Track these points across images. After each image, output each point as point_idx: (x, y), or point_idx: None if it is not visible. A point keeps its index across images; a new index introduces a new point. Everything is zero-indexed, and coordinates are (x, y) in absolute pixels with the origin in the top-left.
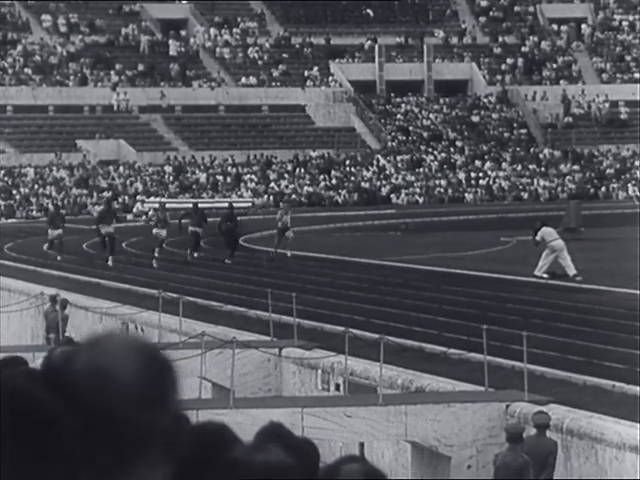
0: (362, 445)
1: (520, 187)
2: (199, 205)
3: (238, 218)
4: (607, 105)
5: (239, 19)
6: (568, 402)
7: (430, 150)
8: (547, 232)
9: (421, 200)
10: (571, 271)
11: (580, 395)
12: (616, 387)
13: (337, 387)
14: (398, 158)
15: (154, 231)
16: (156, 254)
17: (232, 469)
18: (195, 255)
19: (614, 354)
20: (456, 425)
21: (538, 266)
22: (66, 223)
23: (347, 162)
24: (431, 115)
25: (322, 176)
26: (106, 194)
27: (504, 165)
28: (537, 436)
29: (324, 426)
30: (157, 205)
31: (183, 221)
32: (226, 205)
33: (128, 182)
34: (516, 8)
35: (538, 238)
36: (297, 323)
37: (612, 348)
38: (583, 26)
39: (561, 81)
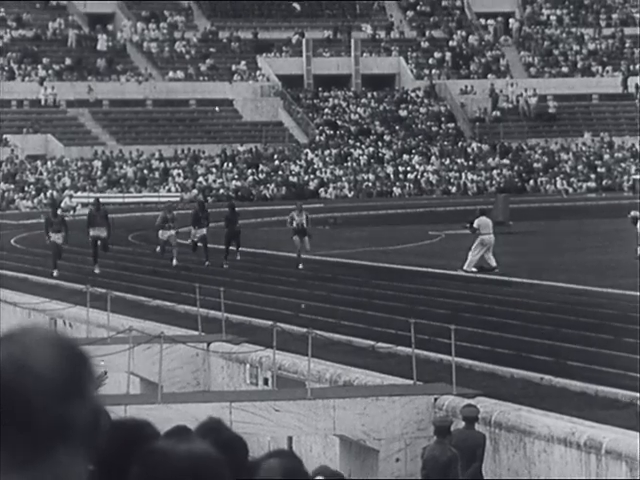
0: (290, 439)
1: (448, 181)
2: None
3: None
4: (535, 99)
5: (166, 13)
6: (496, 395)
7: (358, 144)
8: (484, 223)
9: (349, 194)
10: (492, 263)
11: (508, 388)
12: (544, 380)
13: (265, 381)
14: (326, 152)
15: (160, 232)
16: (176, 259)
17: (153, 458)
18: (207, 263)
19: (542, 347)
20: (384, 419)
21: (467, 261)
22: None
23: (275, 156)
24: (359, 109)
25: (250, 170)
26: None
27: (432, 159)
28: (466, 429)
29: (252, 420)
30: (164, 204)
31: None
32: (226, 207)
33: (56, 177)
34: (443, 2)
35: (475, 225)
36: (225, 318)
37: (540, 341)
38: (511, 20)
39: (489, 75)
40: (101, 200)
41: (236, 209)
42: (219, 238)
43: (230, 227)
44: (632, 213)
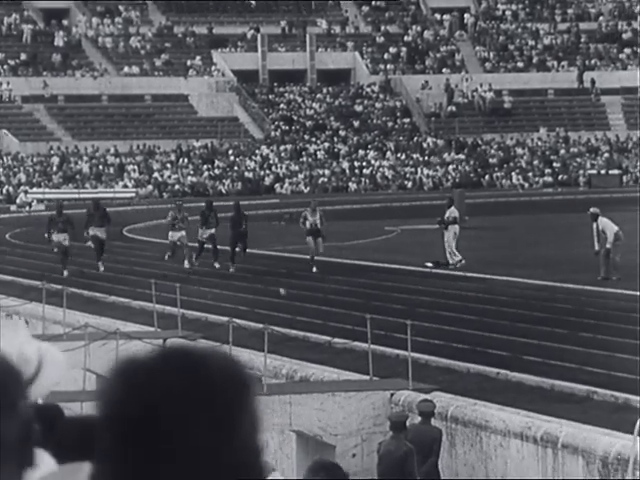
0: None
1: (404, 176)
2: (213, 204)
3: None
4: (490, 94)
5: (121, 8)
6: (452, 390)
7: (314, 140)
8: (456, 213)
9: (305, 190)
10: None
11: (464, 383)
12: (500, 374)
13: None
14: (282, 148)
15: (170, 234)
16: (188, 261)
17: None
18: (217, 265)
19: (498, 341)
20: (341, 414)
21: (448, 254)
22: None
23: (230, 152)
24: (314, 104)
25: (205, 166)
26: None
27: (388, 154)
28: (422, 424)
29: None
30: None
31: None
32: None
33: (11, 173)
34: None
35: (450, 216)
36: (181, 314)
37: (496, 336)
38: (466, 15)
39: (444, 69)
40: (56, 196)
41: (241, 209)
42: (223, 240)
43: (235, 229)
44: (592, 210)
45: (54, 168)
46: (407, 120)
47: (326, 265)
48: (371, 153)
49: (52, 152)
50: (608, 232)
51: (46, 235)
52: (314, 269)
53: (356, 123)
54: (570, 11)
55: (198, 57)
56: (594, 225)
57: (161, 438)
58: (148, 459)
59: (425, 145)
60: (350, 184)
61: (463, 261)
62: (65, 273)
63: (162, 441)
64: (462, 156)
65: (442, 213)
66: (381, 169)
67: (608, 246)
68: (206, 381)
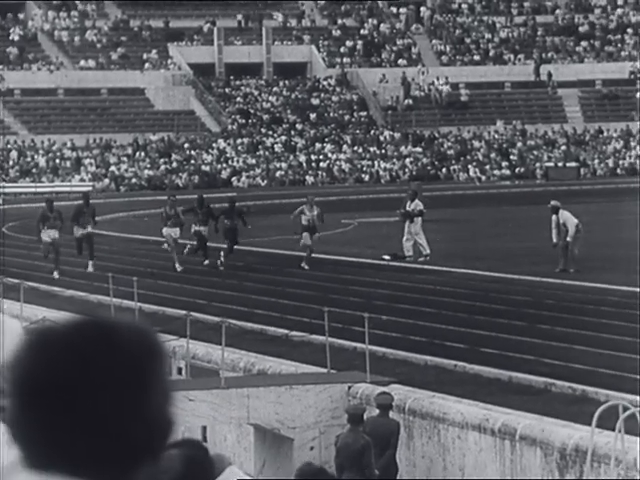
0: (204, 428)
1: (361, 169)
2: (204, 198)
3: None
4: (447, 87)
5: (77, 2)
6: (410, 382)
7: (270, 133)
8: (421, 206)
9: (262, 183)
10: (409, 252)
11: (422, 375)
12: (458, 367)
13: (179, 371)
14: (238, 141)
15: (164, 230)
16: (175, 257)
17: None
18: (206, 262)
19: (455, 334)
20: (298, 407)
21: (423, 247)
22: None
23: (187, 145)
24: (271, 98)
25: (162, 159)
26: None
27: (344, 147)
28: (380, 417)
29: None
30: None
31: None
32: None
33: None
34: None
35: (415, 209)
36: (138, 307)
37: (454, 328)
38: (422, 9)
39: (400, 60)
40: (13, 190)
41: (236, 204)
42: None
43: (230, 224)
44: (552, 202)
45: (11, 162)
46: (364, 113)
47: (283, 258)
48: (328, 146)
49: (9, 146)
50: (569, 225)
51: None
52: (306, 266)
53: (313, 116)
54: (526, 4)
55: (154, 50)
56: (553, 217)
57: (72, 406)
58: (59, 427)
59: (382, 138)
60: (307, 177)
61: (428, 257)
62: (56, 274)
63: (72, 409)
64: (419, 149)
65: (399, 206)
66: (338, 162)
67: (569, 239)
68: (117, 350)
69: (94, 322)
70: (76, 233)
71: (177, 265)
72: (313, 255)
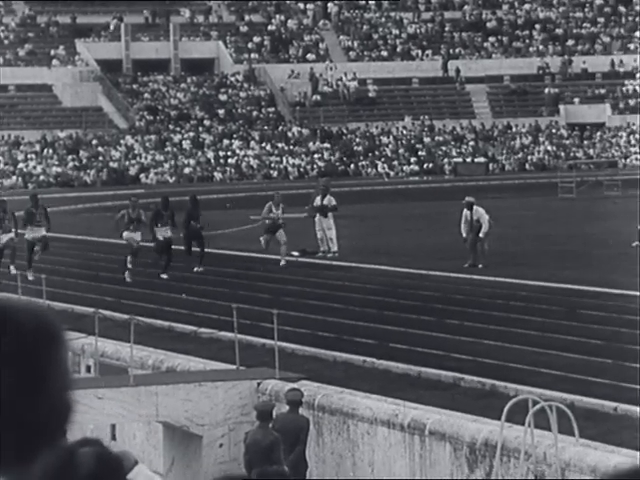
0: (114, 427)
1: (269, 165)
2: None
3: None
4: (355, 83)
5: None
6: (319, 378)
7: (178, 129)
8: (334, 202)
9: (170, 179)
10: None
11: (331, 371)
12: (367, 362)
13: (88, 369)
14: (146, 137)
15: (124, 235)
16: (129, 264)
17: None
18: (164, 276)
19: (364, 330)
20: (207, 404)
21: (333, 242)
22: None
23: (95, 142)
24: (178, 94)
25: (70, 156)
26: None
27: (253, 144)
28: (289, 413)
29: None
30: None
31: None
32: (188, 198)
33: None
34: None
35: (327, 204)
36: (47, 305)
37: (362, 324)
38: (330, 4)
39: (307, 56)
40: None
41: (198, 203)
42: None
43: (191, 224)
44: (467, 198)
45: None
46: (272, 109)
47: (192, 255)
48: (236, 142)
49: None
50: (483, 221)
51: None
52: (282, 262)
53: (221, 112)
54: (434, 0)
55: (62, 47)
56: (466, 213)
57: None
58: None
59: (290, 134)
60: (215, 174)
61: (337, 254)
62: (30, 275)
63: None
64: (327, 145)
65: (308, 202)
66: (246, 158)
67: (481, 235)
68: (12, 332)
69: None
70: (28, 236)
71: (127, 274)
72: (227, 252)
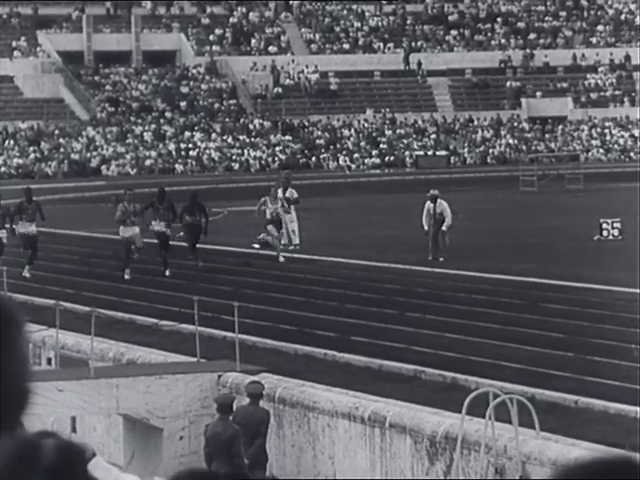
0: (74, 419)
1: (230, 158)
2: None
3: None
4: (316, 76)
5: None
6: (280, 371)
7: (140, 121)
8: (296, 194)
9: (132, 171)
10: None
11: (292, 364)
12: (328, 355)
13: (48, 361)
14: (108, 129)
15: (121, 230)
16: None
17: None
18: (167, 273)
19: (325, 322)
20: (168, 397)
21: (295, 234)
22: None
23: (57, 133)
24: (140, 86)
25: (32, 148)
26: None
27: (214, 136)
28: (250, 405)
29: (35, 401)
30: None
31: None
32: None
33: None
34: None
35: (290, 197)
36: (9, 297)
37: (324, 317)
38: None
39: (269, 48)
40: None
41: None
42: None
43: (192, 220)
44: (432, 191)
45: None
46: (233, 102)
47: (153, 247)
48: (197, 135)
49: None
50: (446, 214)
51: (10, 225)
52: (281, 259)
53: (182, 105)
54: None
55: (23, 38)
56: (430, 206)
57: None
58: None
59: (252, 127)
60: (177, 166)
61: (298, 246)
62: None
63: None
64: (289, 137)
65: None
66: (207, 151)
67: (444, 228)
68: None
69: None
70: (21, 230)
71: (127, 272)
72: (184, 244)
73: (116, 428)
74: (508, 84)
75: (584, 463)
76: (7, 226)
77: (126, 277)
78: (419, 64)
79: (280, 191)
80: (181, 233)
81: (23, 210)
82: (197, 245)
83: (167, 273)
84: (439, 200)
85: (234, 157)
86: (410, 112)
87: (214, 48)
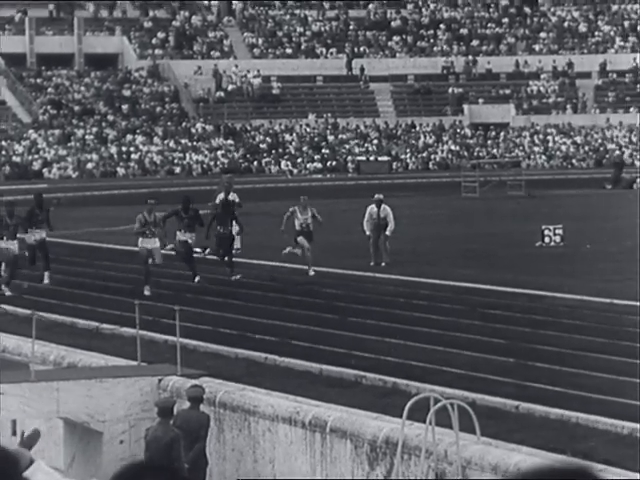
0: (14, 422)
1: (172, 161)
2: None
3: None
4: (259, 80)
5: None
6: (221, 375)
7: (82, 124)
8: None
9: (73, 174)
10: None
11: (233, 368)
12: (268, 359)
13: None
14: (50, 132)
15: (140, 242)
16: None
17: None
18: (196, 280)
19: (266, 326)
20: (108, 400)
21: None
22: None
23: None
24: (82, 89)
25: None
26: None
27: (156, 139)
28: (190, 409)
29: None
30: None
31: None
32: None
33: None
34: None
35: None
36: None
37: (264, 321)
38: (234, 1)
39: (212, 52)
40: None
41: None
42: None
43: (224, 230)
44: (377, 196)
45: None
46: (175, 105)
47: (94, 250)
48: (139, 138)
49: None
50: (390, 219)
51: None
52: (311, 272)
53: (124, 108)
54: None
55: None
56: (373, 210)
57: None
58: None
59: (194, 130)
60: (118, 169)
61: (239, 251)
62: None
63: None
64: (231, 142)
65: (211, 198)
66: (149, 154)
67: (388, 233)
68: None
69: None
70: (28, 240)
71: (147, 288)
72: (127, 248)
73: (56, 431)
74: (450, 90)
75: (527, 470)
76: (19, 236)
77: (146, 293)
78: (362, 69)
79: (222, 195)
80: (171, 245)
81: (34, 217)
82: (232, 258)
83: (196, 280)
84: (383, 205)
85: (176, 161)
86: (352, 117)
87: (156, 52)
